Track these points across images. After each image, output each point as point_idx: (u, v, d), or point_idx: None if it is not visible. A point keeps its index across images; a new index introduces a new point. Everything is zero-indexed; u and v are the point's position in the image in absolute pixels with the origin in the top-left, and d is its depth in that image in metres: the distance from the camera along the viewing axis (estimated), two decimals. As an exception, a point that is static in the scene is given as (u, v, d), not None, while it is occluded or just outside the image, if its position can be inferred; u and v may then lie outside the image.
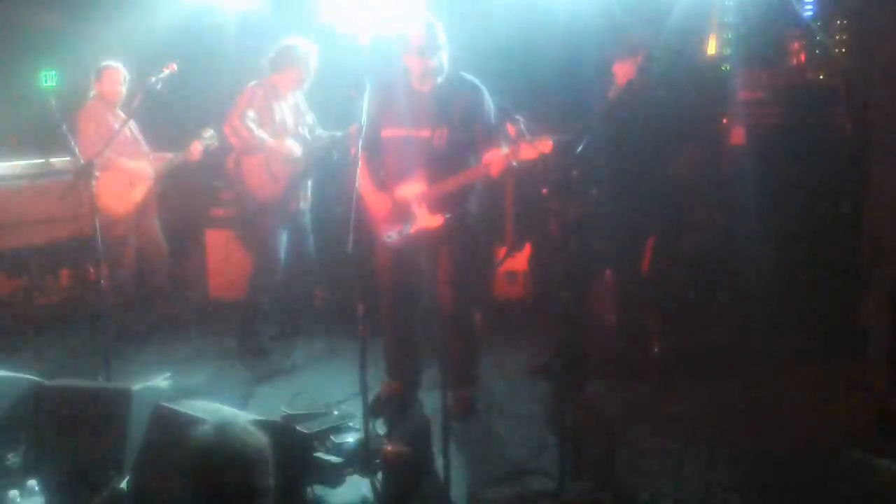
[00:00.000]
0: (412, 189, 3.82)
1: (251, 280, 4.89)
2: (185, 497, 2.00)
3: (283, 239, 4.75)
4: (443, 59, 3.78)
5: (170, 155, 5.12)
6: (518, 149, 3.54)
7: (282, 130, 4.65)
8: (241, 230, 5.57)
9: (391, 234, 3.81)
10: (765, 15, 5.43)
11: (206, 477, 1.96)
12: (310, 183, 4.88)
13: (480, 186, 3.95)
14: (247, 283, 4.93)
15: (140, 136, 5.16)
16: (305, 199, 4.85)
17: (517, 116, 3.70)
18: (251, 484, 1.97)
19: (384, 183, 3.92)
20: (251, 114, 4.55)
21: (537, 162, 3.59)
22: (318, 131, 4.85)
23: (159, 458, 2.94)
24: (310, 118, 4.85)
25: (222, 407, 3.19)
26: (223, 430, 2.03)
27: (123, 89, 4.99)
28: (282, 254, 4.75)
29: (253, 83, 4.63)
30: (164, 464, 2.90)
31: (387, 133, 3.88)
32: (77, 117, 4.91)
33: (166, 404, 3.06)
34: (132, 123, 4.97)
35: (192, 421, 3.00)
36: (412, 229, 3.83)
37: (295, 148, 4.66)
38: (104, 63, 5.02)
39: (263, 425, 2.31)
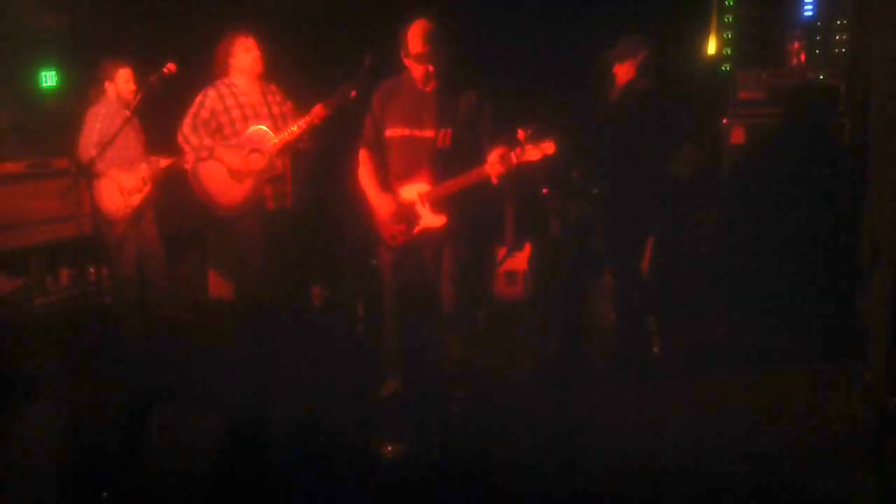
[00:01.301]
0: (416, 189, 3.82)
1: (237, 286, 4.84)
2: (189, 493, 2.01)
3: (262, 242, 4.53)
4: (444, 61, 3.78)
5: (165, 161, 5.10)
6: (521, 150, 3.57)
7: (240, 128, 4.45)
8: (218, 238, 5.52)
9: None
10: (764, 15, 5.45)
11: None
12: (288, 179, 4.61)
13: (482, 185, 3.95)
14: (233, 289, 4.89)
15: (142, 137, 5.17)
16: (281, 198, 4.56)
17: (519, 119, 3.72)
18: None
19: (387, 183, 3.92)
20: (204, 117, 4.40)
21: (540, 163, 3.61)
22: (293, 120, 4.51)
23: (160, 458, 2.95)
24: (282, 108, 4.59)
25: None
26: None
27: (135, 90, 4.97)
28: (261, 257, 4.55)
29: (207, 86, 4.47)
30: (165, 463, 2.91)
31: (390, 133, 3.89)
32: (83, 116, 4.91)
33: (166, 404, 3.07)
34: (134, 124, 4.97)
35: (193, 420, 3.02)
36: (415, 229, 3.84)
37: (242, 159, 4.40)
38: (118, 63, 5.00)
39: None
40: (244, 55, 4.50)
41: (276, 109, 4.59)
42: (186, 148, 4.46)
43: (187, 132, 4.41)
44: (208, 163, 4.45)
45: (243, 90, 4.51)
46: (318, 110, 4.24)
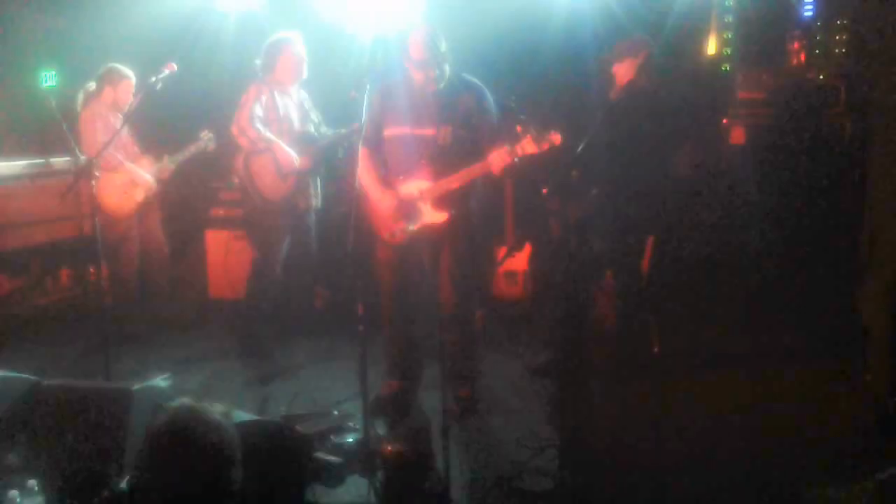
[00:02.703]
0: (417, 186, 3.83)
1: (251, 280, 4.89)
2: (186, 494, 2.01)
3: (286, 239, 4.74)
4: (444, 67, 3.81)
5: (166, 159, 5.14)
6: (527, 142, 3.59)
7: (287, 128, 4.62)
8: (246, 229, 5.56)
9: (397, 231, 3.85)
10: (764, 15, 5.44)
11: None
12: (318, 182, 4.85)
13: (482, 184, 3.97)
14: (246, 283, 4.93)
15: (134, 139, 5.18)
16: (313, 198, 4.80)
17: (521, 116, 3.73)
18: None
19: (387, 181, 3.93)
20: (259, 113, 4.53)
21: (548, 154, 3.63)
22: (323, 129, 4.82)
23: (159, 458, 2.94)
24: (315, 116, 4.83)
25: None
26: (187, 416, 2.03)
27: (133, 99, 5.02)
28: (283, 253, 4.73)
29: (256, 81, 4.61)
30: (164, 463, 2.90)
31: (390, 132, 3.90)
32: (81, 117, 4.93)
33: (166, 404, 3.06)
34: (128, 126, 4.99)
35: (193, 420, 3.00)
36: (416, 226, 3.85)
37: (296, 157, 4.61)
38: (124, 73, 5.02)
39: (258, 426, 2.31)
40: (293, 60, 4.60)
41: (311, 114, 4.77)
42: (242, 140, 4.55)
43: (244, 124, 4.50)
44: (263, 156, 4.56)
45: (286, 91, 4.66)
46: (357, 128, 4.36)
